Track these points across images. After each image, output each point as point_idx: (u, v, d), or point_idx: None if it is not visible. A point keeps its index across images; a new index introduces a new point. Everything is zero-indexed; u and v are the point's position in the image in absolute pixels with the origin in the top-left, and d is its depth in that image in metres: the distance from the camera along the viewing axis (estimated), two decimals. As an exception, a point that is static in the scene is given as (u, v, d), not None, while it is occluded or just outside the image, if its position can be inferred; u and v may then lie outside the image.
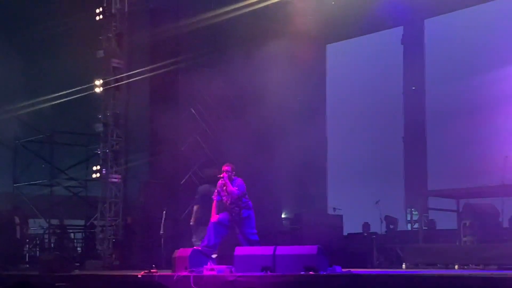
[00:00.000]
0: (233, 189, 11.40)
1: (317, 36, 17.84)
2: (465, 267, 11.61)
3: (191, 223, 13.18)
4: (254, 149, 15.21)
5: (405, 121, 19.69)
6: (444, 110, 17.82)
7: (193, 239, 12.86)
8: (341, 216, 17.77)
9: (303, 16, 17.17)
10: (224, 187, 11.48)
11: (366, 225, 17.25)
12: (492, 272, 9.90)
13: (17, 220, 16.12)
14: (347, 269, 10.43)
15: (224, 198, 11.54)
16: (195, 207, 13.28)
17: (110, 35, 15.75)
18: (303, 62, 18.15)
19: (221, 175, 11.48)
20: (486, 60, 16.91)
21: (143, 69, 15.72)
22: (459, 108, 17.12)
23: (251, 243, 11.39)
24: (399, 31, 19.68)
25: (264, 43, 16.56)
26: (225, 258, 11.36)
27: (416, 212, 16.99)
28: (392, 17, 18.44)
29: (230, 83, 16.06)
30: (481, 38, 17.20)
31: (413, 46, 19.51)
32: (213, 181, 12.19)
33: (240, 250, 10.82)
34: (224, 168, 11.52)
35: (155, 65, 15.92)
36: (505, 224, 13.52)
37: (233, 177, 11.56)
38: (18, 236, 16.12)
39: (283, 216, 18.42)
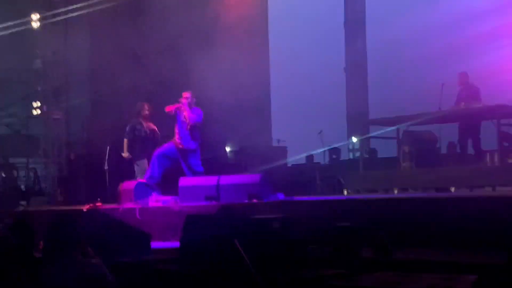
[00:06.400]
0: (192, 115, 11.45)
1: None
2: (405, 191, 11.97)
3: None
4: (197, 84, 15.17)
5: (346, 52, 19.83)
6: (384, 40, 18.00)
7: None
8: (285, 148, 18.02)
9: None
10: (184, 113, 11.49)
11: (309, 156, 17.51)
12: (429, 195, 10.24)
13: None
14: (289, 197, 10.67)
15: (178, 125, 11.56)
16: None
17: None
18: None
19: (181, 101, 11.50)
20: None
21: (81, 4, 15.34)
22: (398, 39, 17.31)
23: (196, 174, 11.51)
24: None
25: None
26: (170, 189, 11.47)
27: (358, 141, 17.29)
28: None
29: (174, 23, 15.82)
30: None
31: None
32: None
33: (184, 181, 10.94)
34: (184, 95, 11.55)
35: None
36: (443, 150, 13.91)
37: (192, 105, 11.60)
38: None
39: (227, 149, 18.53)
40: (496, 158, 11.52)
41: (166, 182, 11.84)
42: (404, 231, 7.71)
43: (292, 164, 17.74)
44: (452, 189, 10.98)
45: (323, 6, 19.44)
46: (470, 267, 6.19)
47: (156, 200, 10.63)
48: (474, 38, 14.90)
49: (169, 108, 11.56)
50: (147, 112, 12.31)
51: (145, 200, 10.71)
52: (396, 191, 11.67)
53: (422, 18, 16.69)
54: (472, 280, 5.60)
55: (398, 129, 13.34)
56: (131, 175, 12.34)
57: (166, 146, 11.77)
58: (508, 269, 5.71)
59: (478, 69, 14.35)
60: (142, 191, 11.06)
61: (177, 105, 11.53)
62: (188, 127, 11.50)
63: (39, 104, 15.45)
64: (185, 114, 11.48)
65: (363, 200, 9.03)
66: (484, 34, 14.86)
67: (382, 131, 14.10)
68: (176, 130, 11.66)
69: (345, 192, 12.45)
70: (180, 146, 11.53)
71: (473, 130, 12.50)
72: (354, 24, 19.59)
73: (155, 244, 8.19)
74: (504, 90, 14.06)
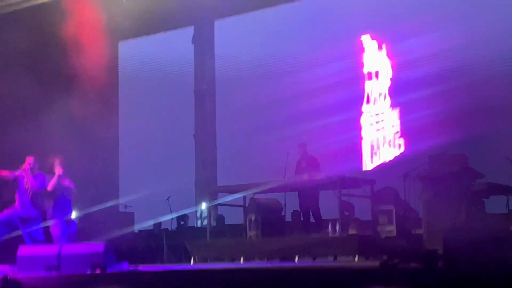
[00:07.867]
0: (35, 182, 11.13)
1: (110, 32, 17.61)
2: (251, 260, 12.07)
3: None
4: (42, 149, 14.76)
5: (196, 119, 20.03)
6: (233, 108, 18.40)
7: None
8: (132, 213, 17.78)
9: (95, 10, 16.84)
10: (26, 179, 11.14)
11: (157, 222, 17.35)
12: (274, 264, 10.40)
13: None
14: (134, 265, 10.50)
15: (19, 191, 11.19)
16: None
17: None
18: (95, 58, 17.87)
19: (23, 167, 11.16)
20: (275, 63, 17.69)
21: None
22: (247, 107, 17.73)
23: (36, 242, 11.12)
24: (190, 30, 20.00)
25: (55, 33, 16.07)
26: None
27: (206, 208, 17.34)
28: (183, 16, 18.72)
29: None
30: (271, 40, 17.88)
31: (204, 45, 19.89)
32: None
33: (23, 250, 10.52)
34: (27, 160, 11.28)
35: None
36: (288, 218, 14.24)
37: (36, 171, 11.29)
38: None
39: (73, 216, 18.02)
40: (337, 227, 11.87)
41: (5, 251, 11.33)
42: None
43: (139, 231, 17.50)
44: (296, 259, 11.21)
45: (174, 73, 19.61)
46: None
47: (-9, 270, 10.10)
48: (317, 111, 15.60)
49: (5, 173, 11.18)
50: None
51: (-21, 270, 10.15)
52: (242, 260, 11.76)
53: (270, 88, 17.26)
54: None
55: (244, 197, 13.55)
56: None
57: (5, 213, 11.33)
58: None
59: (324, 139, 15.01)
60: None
61: (18, 171, 11.19)
62: (30, 194, 11.14)
63: None
64: (27, 180, 11.13)
65: (207, 270, 9.03)
66: (325, 107, 15.61)
67: (230, 198, 14.25)
68: (17, 197, 11.26)
69: (192, 261, 12.40)
70: (21, 214, 11.13)
71: (313, 200, 12.95)
72: (204, 91, 19.88)
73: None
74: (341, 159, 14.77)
